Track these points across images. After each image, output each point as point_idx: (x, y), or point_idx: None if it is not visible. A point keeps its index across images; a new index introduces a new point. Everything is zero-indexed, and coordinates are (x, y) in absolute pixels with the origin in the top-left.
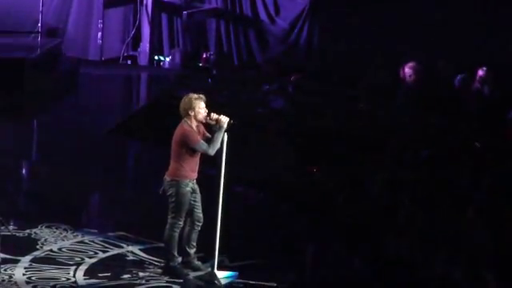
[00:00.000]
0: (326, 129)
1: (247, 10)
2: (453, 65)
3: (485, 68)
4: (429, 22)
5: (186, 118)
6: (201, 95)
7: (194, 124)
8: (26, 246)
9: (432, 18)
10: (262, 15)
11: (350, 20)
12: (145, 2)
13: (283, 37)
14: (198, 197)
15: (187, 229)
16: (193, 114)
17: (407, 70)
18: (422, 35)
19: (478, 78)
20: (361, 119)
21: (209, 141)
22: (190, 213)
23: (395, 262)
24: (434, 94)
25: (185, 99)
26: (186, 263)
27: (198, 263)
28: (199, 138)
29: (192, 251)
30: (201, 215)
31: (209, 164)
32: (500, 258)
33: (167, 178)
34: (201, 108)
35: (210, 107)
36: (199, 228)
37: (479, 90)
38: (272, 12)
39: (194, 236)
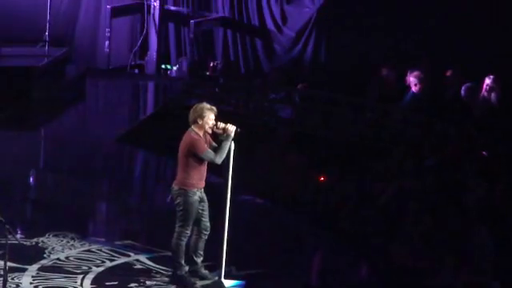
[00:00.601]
0: (333, 137)
1: (254, 20)
2: (460, 73)
3: (492, 76)
4: (436, 30)
5: (193, 126)
6: (213, 107)
7: (201, 133)
8: (33, 254)
9: (439, 26)
10: (269, 24)
11: (356, 28)
12: (152, 11)
13: (290, 46)
14: (206, 205)
15: (194, 237)
16: (201, 122)
17: (412, 78)
18: (430, 43)
19: (485, 86)
20: (368, 128)
21: (215, 149)
22: (197, 222)
23: (402, 270)
24: (441, 103)
25: (196, 107)
26: (193, 272)
27: (205, 272)
28: (206, 146)
29: (199, 260)
30: (208, 224)
31: (216, 172)
32: (504, 264)
33: (175, 186)
34: (210, 119)
35: (218, 116)
36: (206, 237)
37: (486, 98)
38: (279, 21)
39: (201, 245)
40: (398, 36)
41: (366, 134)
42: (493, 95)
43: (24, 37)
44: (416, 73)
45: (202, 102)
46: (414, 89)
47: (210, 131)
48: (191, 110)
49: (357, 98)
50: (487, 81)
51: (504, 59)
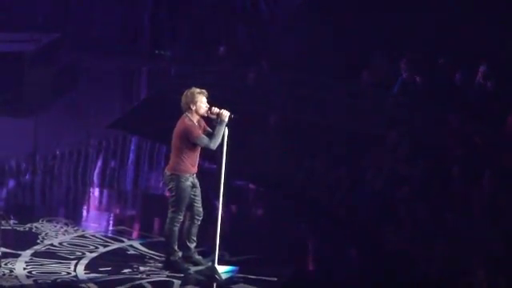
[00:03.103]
0: (326, 123)
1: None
2: (453, 60)
3: (486, 64)
4: (429, 17)
5: (187, 113)
6: (203, 90)
7: (196, 118)
8: (27, 240)
9: (433, 14)
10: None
11: (350, 16)
12: None
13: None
14: (198, 191)
15: (187, 223)
16: (194, 108)
17: (402, 65)
18: (423, 30)
19: (480, 73)
20: (361, 114)
21: (210, 135)
22: (190, 207)
23: (395, 256)
24: (434, 89)
25: (187, 93)
26: (187, 258)
27: (198, 257)
28: (200, 132)
29: (192, 245)
30: (201, 209)
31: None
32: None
33: (167, 172)
34: (202, 102)
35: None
36: (199, 222)
37: (482, 85)
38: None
39: (194, 230)
40: (391, 23)
41: (358, 120)
42: (488, 82)
43: (17, 22)
44: (405, 60)
45: (190, 88)
46: (404, 75)
47: (205, 115)
48: (182, 98)
49: (350, 83)
50: (482, 68)
51: (498, 46)
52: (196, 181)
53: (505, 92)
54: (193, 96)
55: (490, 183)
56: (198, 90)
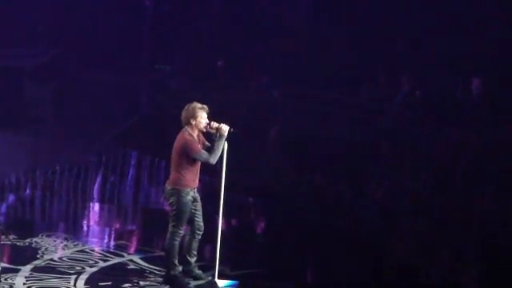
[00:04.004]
0: (327, 136)
1: None
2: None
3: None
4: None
5: (186, 127)
6: (204, 105)
7: (195, 133)
8: (27, 255)
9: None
10: None
11: (350, 29)
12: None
13: None
14: (199, 205)
15: (188, 237)
16: (194, 123)
17: (404, 78)
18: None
19: (475, 85)
20: (362, 126)
21: (209, 150)
22: (191, 221)
23: (397, 268)
24: (435, 102)
25: (188, 107)
26: (187, 272)
27: (198, 272)
28: (200, 147)
29: (193, 260)
30: (201, 224)
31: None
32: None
33: (168, 186)
34: (203, 118)
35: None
36: (200, 237)
37: (478, 97)
38: None
39: (195, 245)
40: (390, 36)
41: (360, 132)
42: (482, 94)
43: (17, 37)
44: (407, 74)
45: (192, 102)
46: (405, 88)
47: (204, 130)
48: (183, 112)
49: (351, 96)
50: (477, 81)
51: (491, 59)
52: (197, 195)
53: (504, 102)
54: (194, 111)
55: (490, 196)
56: (199, 105)
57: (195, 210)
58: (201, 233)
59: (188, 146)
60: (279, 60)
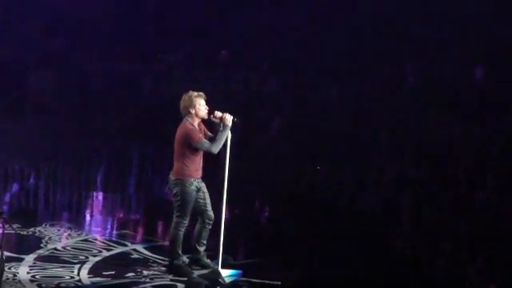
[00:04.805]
0: (330, 127)
1: None
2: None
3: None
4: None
5: (187, 117)
6: (200, 92)
7: (196, 122)
8: (30, 244)
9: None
10: None
11: (354, 20)
12: None
13: None
14: (207, 195)
15: (198, 226)
16: (194, 111)
17: (407, 69)
18: (423, 35)
19: (479, 75)
20: (365, 117)
21: (211, 139)
22: (201, 212)
23: (400, 261)
24: (437, 93)
25: (184, 97)
26: (196, 261)
27: (207, 261)
28: (201, 136)
29: (202, 249)
30: (211, 213)
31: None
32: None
33: (172, 177)
34: (201, 105)
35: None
36: (210, 226)
37: (481, 87)
38: None
39: (205, 234)
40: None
41: (362, 123)
42: (486, 84)
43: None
44: (409, 65)
45: (188, 91)
46: (409, 79)
47: (205, 117)
48: (181, 102)
49: (353, 88)
50: (480, 71)
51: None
52: (201, 185)
53: (506, 94)
54: (191, 100)
55: (493, 186)
56: (195, 93)
57: (203, 200)
58: (211, 222)
59: (189, 135)
60: (280, 50)
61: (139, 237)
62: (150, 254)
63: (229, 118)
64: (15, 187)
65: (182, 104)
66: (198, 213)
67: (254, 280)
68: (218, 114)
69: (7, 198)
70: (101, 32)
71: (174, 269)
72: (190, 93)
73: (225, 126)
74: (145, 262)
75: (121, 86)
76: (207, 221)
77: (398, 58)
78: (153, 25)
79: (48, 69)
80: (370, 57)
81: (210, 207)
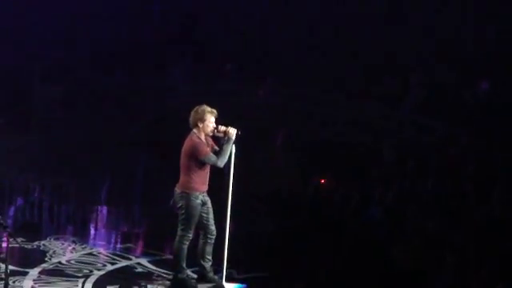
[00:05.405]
0: (335, 140)
1: None
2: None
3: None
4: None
5: (194, 130)
6: (213, 110)
7: (203, 136)
8: (35, 258)
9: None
10: None
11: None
12: None
13: None
14: (210, 210)
15: (201, 242)
16: (201, 125)
17: (411, 82)
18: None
19: (484, 87)
20: (370, 130)
21: (217, 153)
22: (203, 226)
23: (403, 272)
24: (441, 105)
25: (197, 109)
26: (202, 276)
27: (213, 276)
28: (208, 149)
29: (207, 265)
30: (213, 228)
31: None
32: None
33: (177, 190)
34: (210, 122)
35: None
36: (212, 241)
37: (485, 98)
38: None
39: (208, 249)
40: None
41: (366, 137)
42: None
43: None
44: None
45: (202, 104)
46: (413, 92)
47: (210, 134)
48: (192, 112)
49: (358, 99)
50: (486, 83)
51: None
52: (206, 199)
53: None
54: (203, 114)
55: (499, 200)
56: (209, 108)
57: (206, 214)
58: (213, 237)
59: (196, 148)
60: (286, 62)
61: (139, 249)
62: (154, 267)
63: (232, 132)
64: (19, 201)
65: (193, 115)
66: (200, 227)
67: None
68: (222, 128)
69: (12, 211)
70: (103, 44)
71: (178, 282)
72: (204, 107)
73: (229, 139)
74: (149, 276)
75: (127, 99)
76: (209, 235)
77: (402, 71)
78: (159, 37)
79: (54, 82)
80: (375, 69)
81: (212, 221)
